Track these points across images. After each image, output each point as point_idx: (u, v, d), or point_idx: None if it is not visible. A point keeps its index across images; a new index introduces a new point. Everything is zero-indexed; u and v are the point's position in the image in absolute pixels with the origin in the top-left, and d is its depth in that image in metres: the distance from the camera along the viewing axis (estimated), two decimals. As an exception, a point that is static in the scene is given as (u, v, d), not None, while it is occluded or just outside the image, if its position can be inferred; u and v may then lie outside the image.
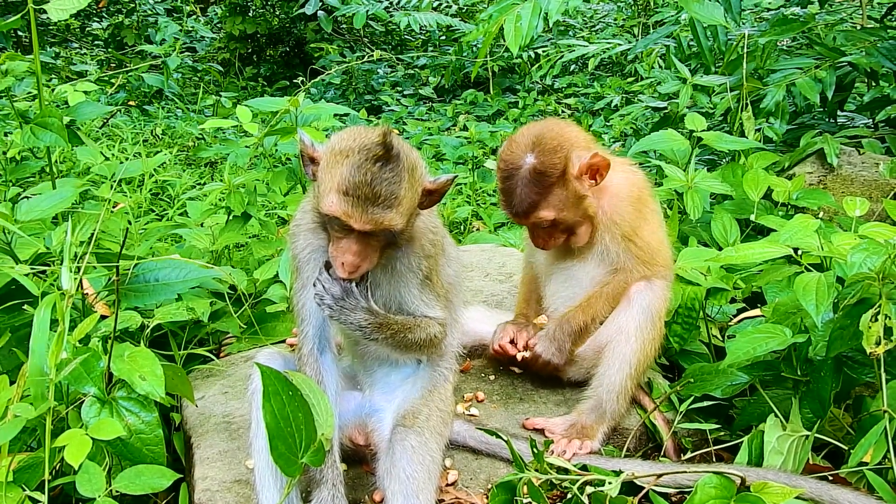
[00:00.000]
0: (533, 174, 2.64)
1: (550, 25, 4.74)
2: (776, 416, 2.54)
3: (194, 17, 11.51)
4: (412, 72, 10.80)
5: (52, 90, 4.76)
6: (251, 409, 2.30)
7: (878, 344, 2.24)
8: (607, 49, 6.91)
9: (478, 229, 5.54)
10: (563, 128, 2.78)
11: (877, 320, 2.25)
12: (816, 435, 2.46)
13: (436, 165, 7.15)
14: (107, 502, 2.15)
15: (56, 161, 5.74)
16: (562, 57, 7.66)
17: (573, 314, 2.82)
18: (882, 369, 2.33)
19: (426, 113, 9.45)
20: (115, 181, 3.69)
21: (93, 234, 2.87)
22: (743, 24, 5.76)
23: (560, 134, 2.72)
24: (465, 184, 6.59)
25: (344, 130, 2.18)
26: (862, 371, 2.53)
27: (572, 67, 10.31)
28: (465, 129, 8.16)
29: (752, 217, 3.79)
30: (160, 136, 7.94)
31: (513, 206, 2.69)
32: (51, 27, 10.97)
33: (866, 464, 2.28)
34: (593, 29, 11.04)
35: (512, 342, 2.92)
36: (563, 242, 2.83)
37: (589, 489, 2.13)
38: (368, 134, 2.09)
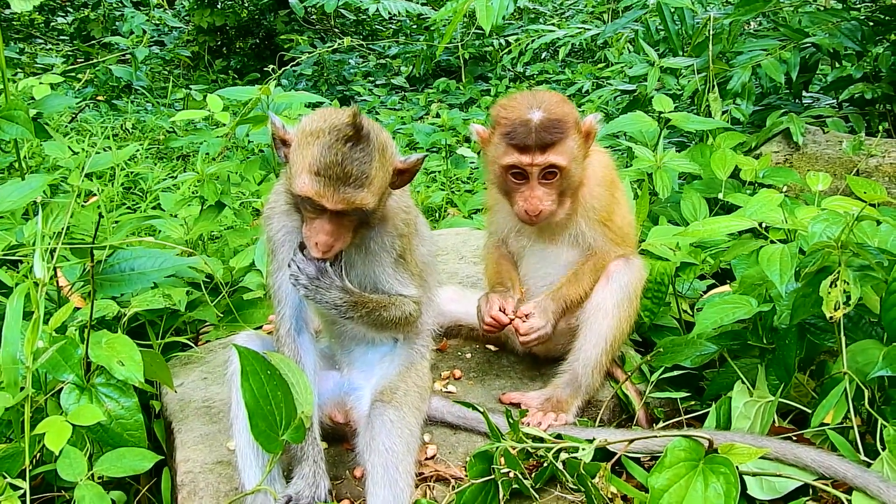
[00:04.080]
0: (549, 120, 2.65)
1: (520, 6, 4.75)
2: (743, 382, 2.61)
3: (162, 9, 11.37)
4: (384, 61, 10.79)
5: (17, 84, 4.70)
6: (231, 390, 2.32)
7: (836, 309, 2.32)
8: (577, 34, 6.97)
9: (452, 215, 5.58)
10: (554, 91, 2.84)
11: (836, 286, 2.34)
12: (781, 399, 2.54)
13: (409, 153, 7.16)
14: (88, 485, 2.16)
15: (25, 157, 5.67)
16: (532, 42, 7.70)
17: (564, 288, 2.82)
18: (842, 333, 2.41)
19: (399, 102, 9.46)
20: (84, 172, 3.66)
21: (65, 225, 2.86)
22: (710, 7, 5.85)
23: (557, 94, 2.82)
24: (440, 171, 6.63)
25: (314, 112, 2.21)
26: (824, 337, 2.61)
27: (543, 55, 10.37)
28: (437, 116, 8.19)
29: (721, 196, 3.87)
30: (130, 131, 7.86)
31: (529, 140, 2.63)
32: (14, 22, 10.78)
33: (828, 424, 2.37)
34: (563, 16, 11.10)
35: (502, 311, 2.84)
36: (546, 217, 2.76)
37: (563, 456, 2.19)
38: (338, 115, 2.12)
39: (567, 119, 2.69)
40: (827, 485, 2.17)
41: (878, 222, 2.66)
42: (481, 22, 4.52)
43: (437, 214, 5.67)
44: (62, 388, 2.41)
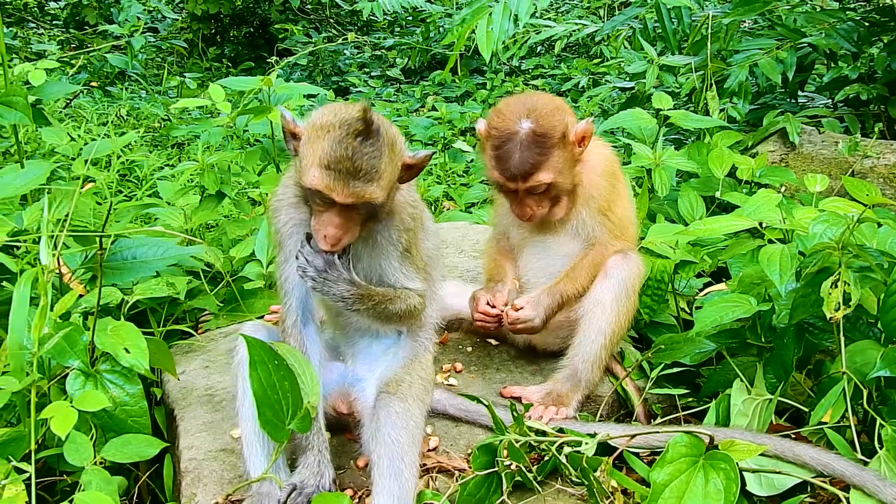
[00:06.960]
0: (534, 136, 2.67)
1: (521, 27, 4.73)
2: (741, 380, 2.65)
3: (157, -4, 11.28)
4: (379, 53, 10.76)
5: (13, 70, 4.66)
6: (237, 379, 2.33)
7: (836, 310, 2.36)
8: (575, 31, 6.98)
9: (448, 209, 5.60)
10: (552, 96, 2.85)
11: (836, 287, 2.37)
12: (779, 398, 2.58)
13: (410, 147, 7.18)
14: (95, 471, 2.17)
15: (22, 142, 5.63)
16: (528, 38, 7.70)
17: (561, 284, 2.84)
18: (841, 333, 2.45)
19: (394, 94, 9.45)
20: (86, 160, 3.64)
21: (70, 212, 2.85)
22: (707, 6, 5.89)
23: (553, 99, 2.81)
24: (437, 164, 6.64)
25: (324, 106, 2.22)
26: (822, 337, 2.65)
27: (539, 49, 10.39)
28: (433, 109, 8.19)
29: (718, 194, 3.90)
30: (125, 118, 7.82)
31: (511, 169, 2.68)
32: (7, 6, 10.67)
33: (826, 423, 2.41)
34: (559, 11, 11.12)
35: (489, 305, 2.90)
36: (540, 218, 2.84)
37: (567, 449, 2.22)
38: (349, 109, 2.14)
39: (553, 133, 2.69)
40: (825, 482, 2.20)
41: (879, 224, 2.70)
42: (481, 50, 4.48)
43: (433, 208, 5.69)
44: (67, 373, 2.42)
